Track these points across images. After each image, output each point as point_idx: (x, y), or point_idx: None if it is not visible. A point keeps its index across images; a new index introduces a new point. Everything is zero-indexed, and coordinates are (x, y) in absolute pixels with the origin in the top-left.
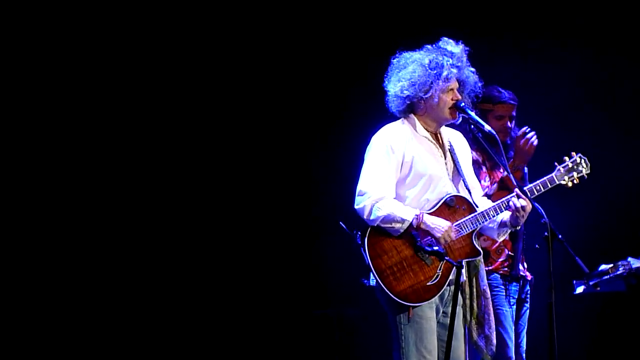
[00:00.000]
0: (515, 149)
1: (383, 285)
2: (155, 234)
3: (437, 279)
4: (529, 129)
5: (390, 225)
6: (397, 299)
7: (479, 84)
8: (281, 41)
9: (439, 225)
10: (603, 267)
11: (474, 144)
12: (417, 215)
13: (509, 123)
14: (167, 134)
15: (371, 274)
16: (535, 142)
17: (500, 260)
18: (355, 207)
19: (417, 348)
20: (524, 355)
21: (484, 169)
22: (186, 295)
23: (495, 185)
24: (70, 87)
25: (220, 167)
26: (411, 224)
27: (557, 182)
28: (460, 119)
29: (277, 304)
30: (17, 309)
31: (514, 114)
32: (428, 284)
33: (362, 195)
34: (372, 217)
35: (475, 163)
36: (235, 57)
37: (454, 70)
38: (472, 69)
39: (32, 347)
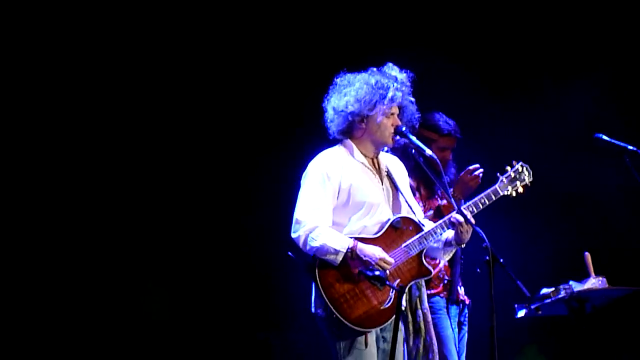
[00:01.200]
0: (459, 182)
1: (337, 314)
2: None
3: (390, 302)
4: (478, 166)
5: (325, 257)
6: (352, 327)
7: (417, 115)
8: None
9: (372, 254)
10: (545, 290)
11: (409, 170)
12: (349, 247)
13: (450, 155)
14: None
15: (321, 303)
16: (480, 179)
17: (441, 285)
18: (292, 235)
19: None
20: None
21: (418, 195)
22: (126, 313)
23: (431, 212)
24: (59, 88)
25: (163, 189)
26: (345, 254)
27: (501, 193)
28: (399, 144)
29: (221, 325)
30: (16, 309)
31: (455, 146)
32: (382, 307)
33: (297, 224)
34: (307, 248)
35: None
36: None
37: (398, 94)
38: (412, 99)
39: (32, 347)
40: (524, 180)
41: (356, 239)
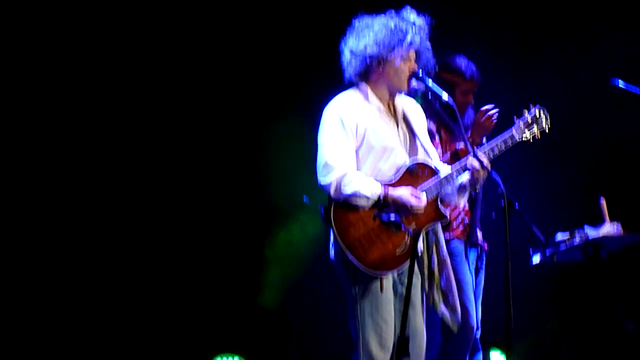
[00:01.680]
0: (474, 124)
1: (352, 257)
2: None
3: (406, 247)
4: (493, 106)
5: (356, 201)
6: (367, 270)
7: (432, 61)
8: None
9: (406, 197)
10: (560, 236)
11: (428, 114)
12: (381, 194)
13: (471, 99)
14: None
15: (336, 247)
16: (495, 119)
17: (460, 228)
18: (321, 182)
19: (373, 318)
20: (479, 323)
21: (437, 138)
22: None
23: (448, 154)
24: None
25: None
26: (377, 198)
27: (518, 138)
28: (418, 90)
29: (226, 295)
30: (16, 309)
31: (476, 90)
32: (397, 252)
33: (326, 169)
34: (339, 193)
35: (429, 133)
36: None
37: (417, 39)
38: (429, 45)
39: (31, 347)
40: (542, 125)
41: (390, 185)
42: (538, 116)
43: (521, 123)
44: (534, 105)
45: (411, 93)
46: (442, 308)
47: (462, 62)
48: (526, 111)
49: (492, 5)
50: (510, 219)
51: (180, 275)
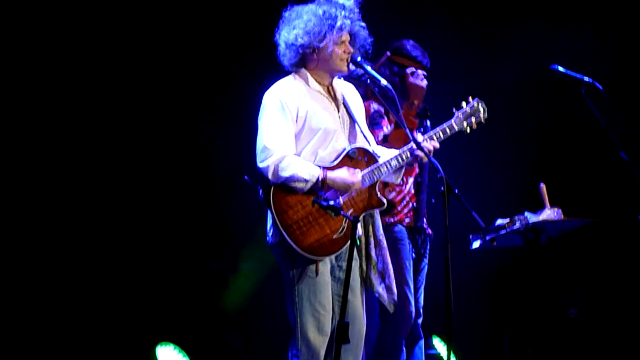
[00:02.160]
0: (409, 88)
1: (290, 241)
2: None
3: (343, 232)
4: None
5: (294, 185)
6: (304, 254)
7: (369, 40)
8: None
9: (344, 178)
10: (500, 221)
11: (374, 96)
12: (319, 177)
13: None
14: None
15: (274, 230)
16: (425, 82)
17: (405, 211)
18: (259, 165)
19: (310, 303)
20: (421, 310)
21: (386, 119)
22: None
23: (392, 126)
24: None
25: (125, 127)
26: (316, 181)
27: (457, 129)
28: (358, 73)
29: (174, 257)
30: (16, 309)
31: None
32: (334, 236)
33: (264, 153)
34: (276, 177)
35: (376, 113)
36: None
37: (347, 22)
38: (363, 24)
39: (31, 348)
40: (479, 116)
41: (325, 168)
42: (476, 108)
43: (460, 114)
44: (473, 98)
45: (352, 76)
46: (378, 289)
47: (413, 47)
48: (465, 103)
49: None
50: (450, 204)
51: (116, 264)
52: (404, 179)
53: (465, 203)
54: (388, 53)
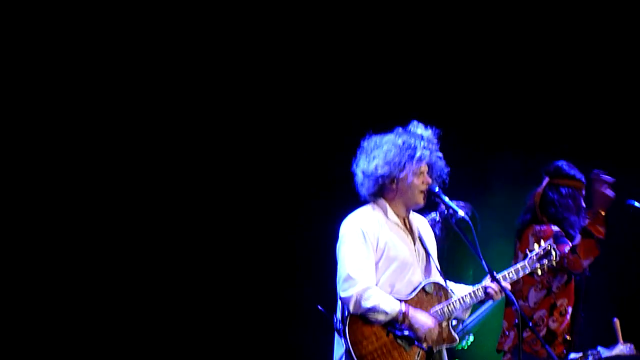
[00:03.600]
0: (595, 193)
1: None
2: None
3: None
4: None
5: (374, 316)
6: None
7: (446, 170)
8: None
9: (424, 323)
10: (573, 355)
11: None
12: (401, 311)
13: None
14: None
15: (347, 359)
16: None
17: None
18: (341, 295)
19: None
20: None
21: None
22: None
23: (578, 235)
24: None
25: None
26: (396, 317)
27: (529, 270)
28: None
29: None
30: (17, 309)
31: None
32: None
33: (347, 283)
34: (358, 307)
35: (559, 232)
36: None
37: (426, 153)
38: (440, 154)
39: (31, 348)
40: (551, 259)
41: (406, 302)
42: (548, 251)
43: (533, 256)
44: (546, 242)
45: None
46: None
47: (570, 167)
48: (537, 245)
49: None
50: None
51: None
52: (565, 309)
53: (538, 336)
54: (547, 178)
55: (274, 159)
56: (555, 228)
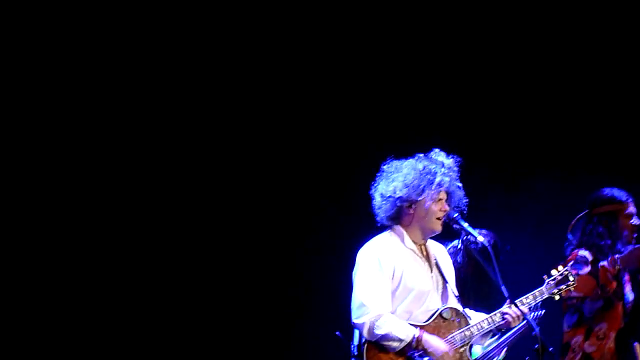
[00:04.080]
0: (630, 254)
1: None
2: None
3: None
4: None
5: (388, 344)
6: None
7: (464, 200)
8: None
9: (438, 347)
10: None
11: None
12: (415, 336)
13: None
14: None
15: None
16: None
17: None
18: (354, 321)
19: None
20: None
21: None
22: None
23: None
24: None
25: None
26: (409, 343)
27: (547, 295)
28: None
29: None
30: (18, 309)
31: None
32: None
33: (360, 310)
34: (371, 334)
35: (581, 258)
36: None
37: (446, 179)
38: (460, 184)
39: (32, 348)
40: (569, 285)
41: (421, 327)
42: (566, 277)
43: (551, 281)
44: (564, 267)
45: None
46: None
47: (611, 190)
48: (555, 271)
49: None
50: None
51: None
52: (604, 334)
53: None
54: (587, 209)
55: (291, 167)
56: (581, 253)
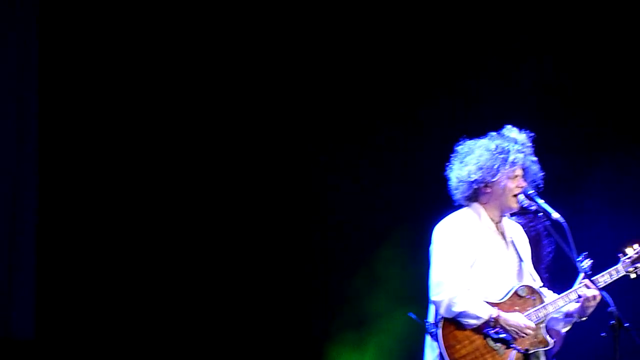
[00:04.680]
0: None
1: None
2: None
3: None
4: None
5: (466, 321)
6: None
7: (540, 174)
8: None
9: (517, 323)
10: None
11: None
12: (492, 316)
13: None
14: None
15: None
16: None
17: None
18: (433, 299)
19: None
20: None
21: None
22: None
23: None
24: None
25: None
26: (487, 321)
27: (624, 273)
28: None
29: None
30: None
31: None
32: None
33: (439, 287)
34: (448, 312)
35: None
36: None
37: (520, 156)
38: (535, 158)
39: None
40: None
41: (498, 306)
42: None
43: (627, 260)
44: (639, 245)
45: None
46: None
47: None
48: (632, 249)
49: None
50: (620, 338)
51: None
52: None
53: (635, 337)
54: None
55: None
56: None
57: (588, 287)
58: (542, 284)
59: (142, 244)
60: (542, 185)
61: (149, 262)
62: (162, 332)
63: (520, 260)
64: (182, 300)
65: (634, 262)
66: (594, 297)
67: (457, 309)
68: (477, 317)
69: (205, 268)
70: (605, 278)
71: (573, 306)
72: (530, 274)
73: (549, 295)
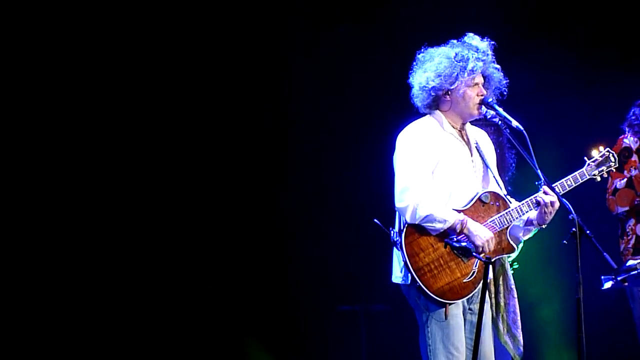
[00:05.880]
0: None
1: (420, 283)
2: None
3: (473, 276)
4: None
5: (431, 225)
6: (434, 297)
7: (504, 82)
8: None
9: (481, 234)
10: (631, 262)
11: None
12: (460, 220)
13: None
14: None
15: (405, 272)
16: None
17: None
18: (398, 205)
19: (444, 345)
20: None
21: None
22: (206, 292)
23: (622, 181)
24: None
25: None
26: (453, 226)
27: (588, 177)
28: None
29: (302, 300)
30: (18, 309)
31: None
32: (464, 280)
33: (404, 194)
34: (414, 217)
35: (625, 150)
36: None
37: (479, 64)
38: (498, 66)
39: (32, 347)
40: (610, 165)
41: (463, 212)
42: (607, 157)
43: (592, 163)
44: (604, 147)
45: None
46: (505, 337)
47: None
48: (596, 152)
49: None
50: (582, 245)
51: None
52: None
53: (596, 244)
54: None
55: None
56: (626, 141)
57: (546, 193)
58: (505, 192)
59: (118, 239)
60: (505, 93)
61: (129, 259)
62: (150, 329)
63: (486, 166)
64: (182, 301)
65: (599, 164)
66: (552, 203)
67: (422, 212)
68: (444, 221)
69: (204, 268)
70: (569, 182)
71: (533, 214)
72: (496, 180)
73: (513, 202)
